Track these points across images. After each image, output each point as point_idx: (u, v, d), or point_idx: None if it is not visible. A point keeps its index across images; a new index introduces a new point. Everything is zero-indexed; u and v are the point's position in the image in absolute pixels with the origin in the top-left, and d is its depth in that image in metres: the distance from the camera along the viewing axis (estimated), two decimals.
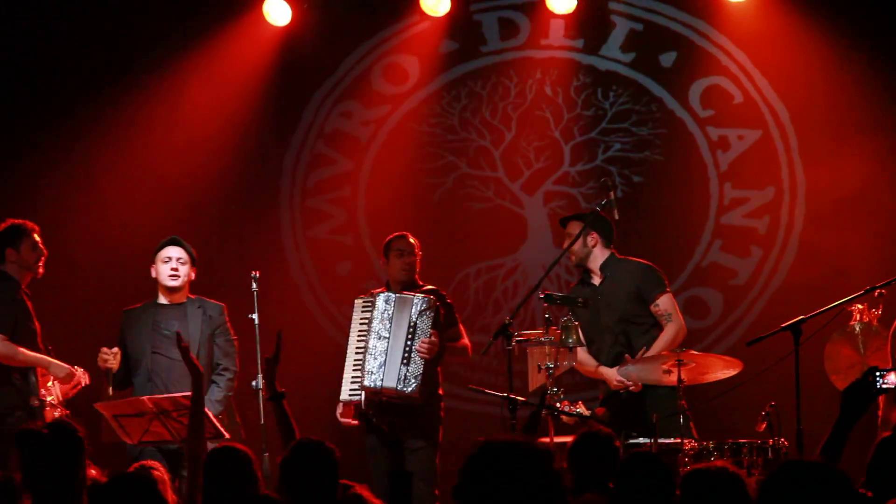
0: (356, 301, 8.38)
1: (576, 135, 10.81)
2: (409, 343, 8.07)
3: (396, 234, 8.53)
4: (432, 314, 8.14)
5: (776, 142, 10.61)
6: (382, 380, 8.06)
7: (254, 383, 8.12)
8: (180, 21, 10.63)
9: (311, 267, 10.92)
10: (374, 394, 8.09)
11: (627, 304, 8.08)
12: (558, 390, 7.65)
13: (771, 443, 7.32)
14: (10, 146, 10.48)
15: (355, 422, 8.22)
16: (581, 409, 7.57)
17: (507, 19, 10.92)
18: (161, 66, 10.56)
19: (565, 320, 7.78)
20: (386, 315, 8.16)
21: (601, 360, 8.12)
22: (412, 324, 8.11)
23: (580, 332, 7.84)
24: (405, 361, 8.06)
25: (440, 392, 8.32)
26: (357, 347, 8.22)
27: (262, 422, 8.06)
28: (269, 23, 10.59)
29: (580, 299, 7.93)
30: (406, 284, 8.35)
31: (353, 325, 8.31)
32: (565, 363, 7.83)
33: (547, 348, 7.75)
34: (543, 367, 7.74)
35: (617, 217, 7.99)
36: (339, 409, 8.27)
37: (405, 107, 10.96)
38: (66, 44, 10.42)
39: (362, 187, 10.96)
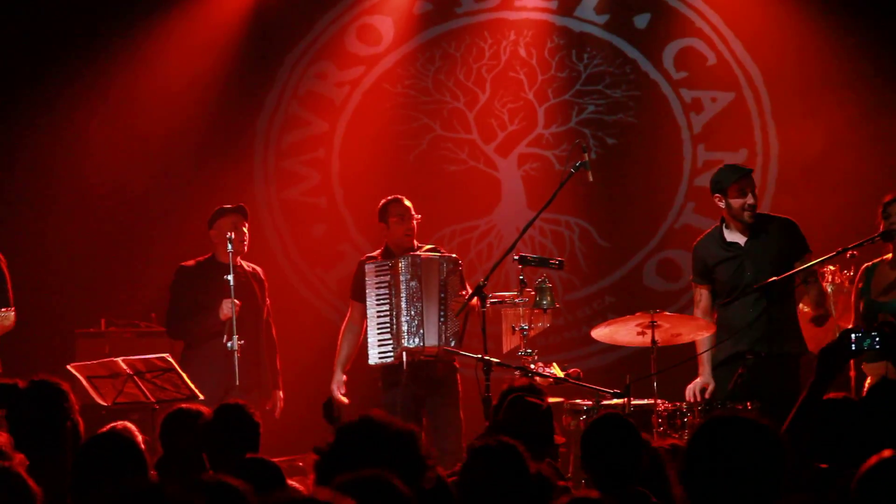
0: (367, 266, 8.38)
1: (550, 97, 10.81)
2: (443, 302, 8.13)
3: (391, 198, 8.52)
4: (458, 272, 8.26)
5: (749, 104, 10.64)
6: (424, 340, 8.15)
7: (229, 344, 8.16)
8: None
9: (284, 229, 10.90)
10: (413, 353, 8.14)
11: (777, 262, 7.68)
12: (532, 352, 7.69)
13: (741, 407, 7.34)
14: None
15: (346, 400, 8.34)
16: (555, 370, 7.61)
17: None
18: (136, 26, 10.50)
19: (539, 282, 7.81)
20: (414, 277, 8.21)
21: (745, 318, 7.60)
22: (443, 283, 8.18)
23: (553, 293, 7.87)
24: (443, 320, 8.14)
25: None
26: (380, 311, 8.28)
27: (238, 383, 8.09)
28: None
29: (553, 260, 7.93)
30: (408, 248, 8.39)
31: (369, 291, 8.34)
32: (539, 324, 7.87)
33: (521, 310, 7.80)
34: (518, 329, 7.79)
35: (591, 179, 7.94)
36: (336, 385, 8.42)
37: (379, 68, 10.92)
38: (42, 2, 10.36)
39: (336, 149, 10.93)
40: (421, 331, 8.18)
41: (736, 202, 7.68)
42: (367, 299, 8.34)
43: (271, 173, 10.93)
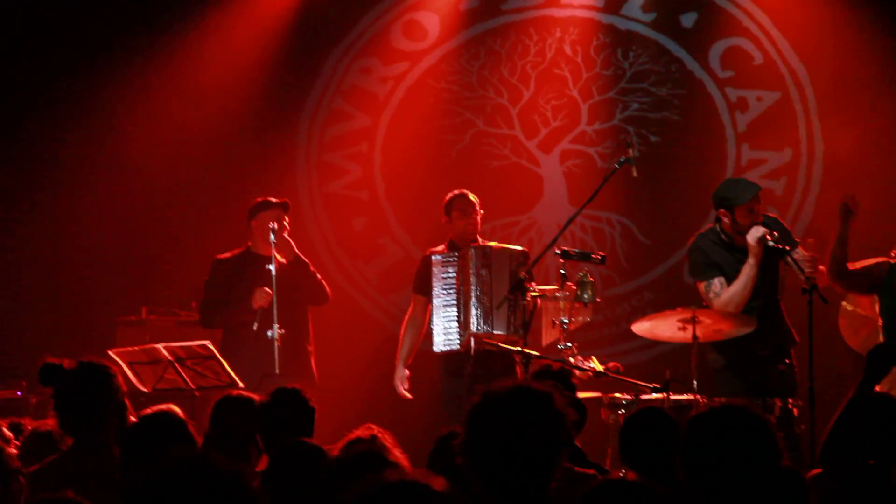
0: (433, 257, 8.40)
1: (594, 94, 10.78)
2: (512, 292, 7.99)
3: (457, 192, 8.56)
4: (527, 265, 8.14)
5: (795, 103, 10.57)
6: (493, 327, 8.10)
7: (269, 333, 8.19)
8: None
9: (326, 222, 10.92)
10: (480, 340, 8.08)
11: (775, 262, 7.61)
12: (571, 345, 7.67)
13: (780, 403, 7.28)
14: (34, 98, 10.51)
15: (409, 396, 8.35)
16: (594, 363, 7.59)
17: None
18: (181, 20, 10.56)
19: (581, 276, 7.78)
20: (484, 266, 8.19)
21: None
22: (513, 274, 8.11)
23: (594, 288, 7.85)
24: (511, 309, 8.05)
25: None
26: (447, 300, 8.28)
27: (277, 371, 8.11)
28: None
29: (596, 254, 7.90)
30: (471, 241, 8.41)
31: (435, 281, 8.33)
32: (580, 318, 7.84)
33: (562, 303, 7.77)
34: (558, 322, 7.76)
35: (635, 175, 7.91)
36: (399, 380, 8.49)
37: (424, 64, 10.93)
38: None
39: (379, 143, 10.95)
40: (490, 318, 8.12)
41: (744, 221, 7.53)
42: (434, 289, 8.33)
43: (313, 167, 10.96)
